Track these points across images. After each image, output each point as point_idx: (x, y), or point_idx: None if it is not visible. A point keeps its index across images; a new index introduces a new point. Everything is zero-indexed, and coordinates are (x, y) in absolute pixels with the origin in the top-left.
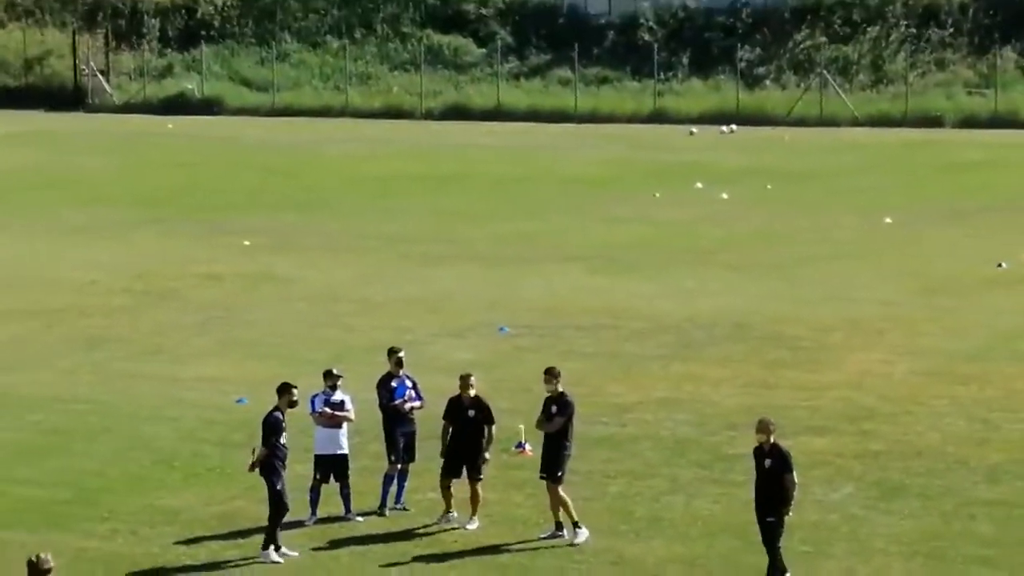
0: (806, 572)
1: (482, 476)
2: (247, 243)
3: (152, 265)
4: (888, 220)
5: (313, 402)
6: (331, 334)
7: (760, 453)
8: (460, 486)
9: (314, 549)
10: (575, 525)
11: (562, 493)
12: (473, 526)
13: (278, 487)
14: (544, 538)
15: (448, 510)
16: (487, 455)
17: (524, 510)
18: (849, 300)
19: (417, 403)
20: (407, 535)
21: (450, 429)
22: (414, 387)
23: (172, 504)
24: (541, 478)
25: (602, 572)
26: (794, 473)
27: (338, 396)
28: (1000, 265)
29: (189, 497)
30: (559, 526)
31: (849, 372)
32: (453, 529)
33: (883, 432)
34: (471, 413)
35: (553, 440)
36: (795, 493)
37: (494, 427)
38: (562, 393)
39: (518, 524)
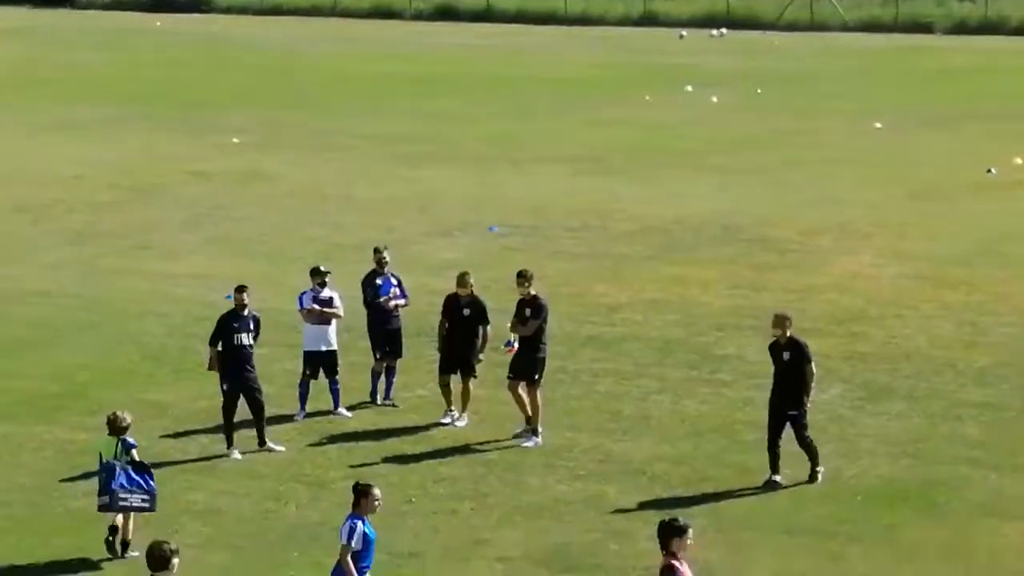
0: (793, 471)
1: (475, 374)
2: (236, 141)
3: (140, 162)
4: (878, 125)
5: (301, 299)
6: (319, 232)
7: (777, 348)
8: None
9: (307, 446)
10: (533, 431)
11: (538, 398)
12: (462, 423)
13: (222, 386)
14: (515, 436)
15: (449, 407)
16: (480, 355)
17: (512, 408)
18: (838, 204)
19: (402, 300)
20: (396, 431)
21: (446, 326)
22: (399, 285)
23: (161, 399)
24: (509, 378)
25: (590, 469)
26: (812, 364)
27: (327, 293)
28: (990, 171)
29: (178, 392)
30: (529, 420)
31: (837, 275)
32: (442, 426)
33: (871, 335)
34: (466, 312)
35: (528, 343)
36: (813, 383)
37: (489, 327)
38: (535, 296)
39: (507, 422)
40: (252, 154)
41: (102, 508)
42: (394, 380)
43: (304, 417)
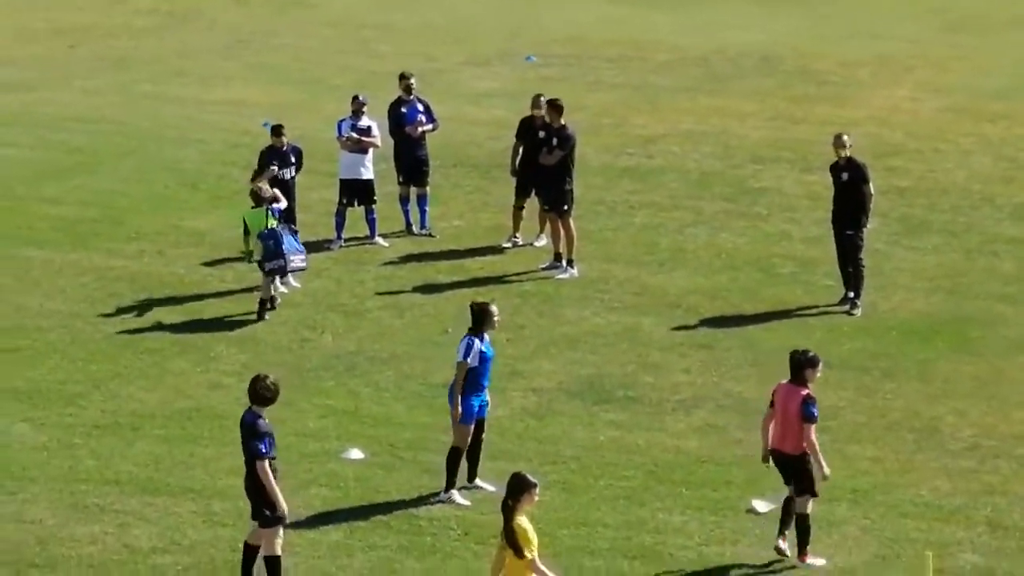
0: (828, 305)
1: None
2: None
3: None
4: None
5: (340, 126)
6: (356, 60)
7: (836, 168)
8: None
9: (343, 275)
10: (570, 262)
11: (572, 226)
12: (541, 243)
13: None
14: (544, 268)
15: (515, 233)
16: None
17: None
18: (876, 36)
19: (429, 127)
20: (432, 261)
21: (520, 149)
22: (426, 110)
23: (198, 226)
24: (544, 211)
25: (625, 301)
26: (871, 184)
27: (364, 122)
28: None
29: (215, 219)
30: (558, 257)
31: (876, 108)
32: (478, 254)
33: (909, 168)
34: (541, 134)
35: (555, 174)
36: (871, 205)
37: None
38: (564, 126)
39: (544, 252)
40: None
41: (274, 271)
42: (427, 209)
43: (341, 246)
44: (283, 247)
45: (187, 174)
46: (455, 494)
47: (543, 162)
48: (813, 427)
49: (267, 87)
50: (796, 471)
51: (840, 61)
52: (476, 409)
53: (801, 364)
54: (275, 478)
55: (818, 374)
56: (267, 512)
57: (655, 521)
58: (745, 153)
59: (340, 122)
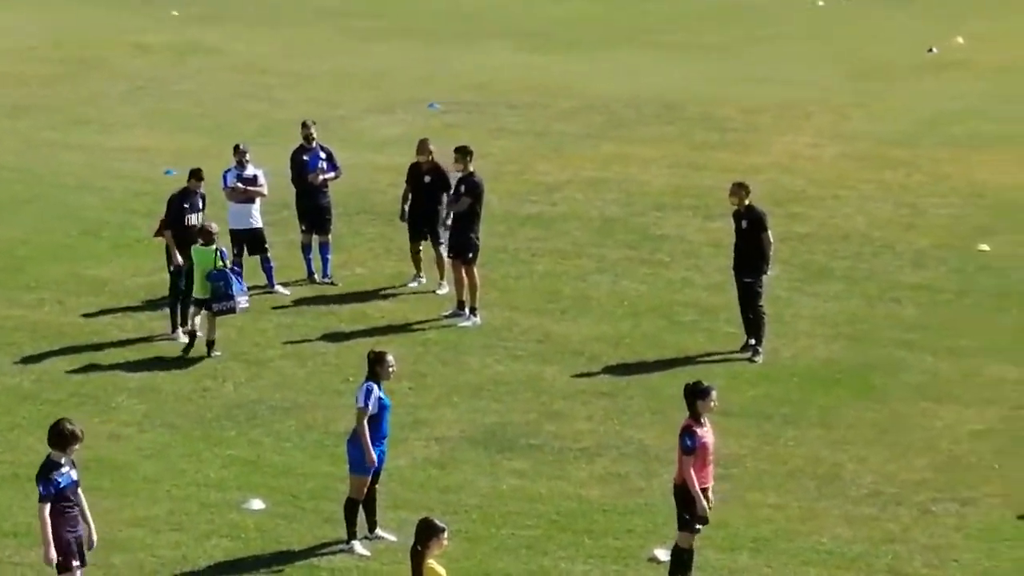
0: (730, 352)
1: (443, 241)
2: (175, 13)
3: (77, 33)
4: (820, 3)
5: (225, 177)
6: (259, 107)
7: (737, 216)
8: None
9: (244, 323)
10: (472, 311)
11: (476, 275)
12: (443, 291)
13: (170, 268)
14: (446, 316)
15: (418, 274)
16: (447, 222)
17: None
18: (780, 82)
19: (331, 174)
20: (335, 310)
21: (410, 195)
22: (329, 158)
23: (99, 274)
24: (449, 257)
25: (528, 349)
26: (770, 233)
27: (250, 171)
28: (931, 50)
29: (116, 268)
30: (460, 304)
31: (778, 155)
32: (381, 302)
33: (810, 215)
34: (428, 179)
35: (462, 222)
36: (771, 253)
37: (451, 193)
38: (471, 173)
39: (446, 301)
40: (192, 26)
41: (222, 312)
42: (330, 257)
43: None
44: (232, 289)
45: (89, 222)
46: (356, 545)
47: (453, 210)
48: (690, 459)
49: (170, 134)
50: (677, 504)
51: (742, 108)
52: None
53: (690, 395)
54: (64, 521)
55: (712, 404)
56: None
57: (557, 571)
58: (648, 200)
59: (225, 173)
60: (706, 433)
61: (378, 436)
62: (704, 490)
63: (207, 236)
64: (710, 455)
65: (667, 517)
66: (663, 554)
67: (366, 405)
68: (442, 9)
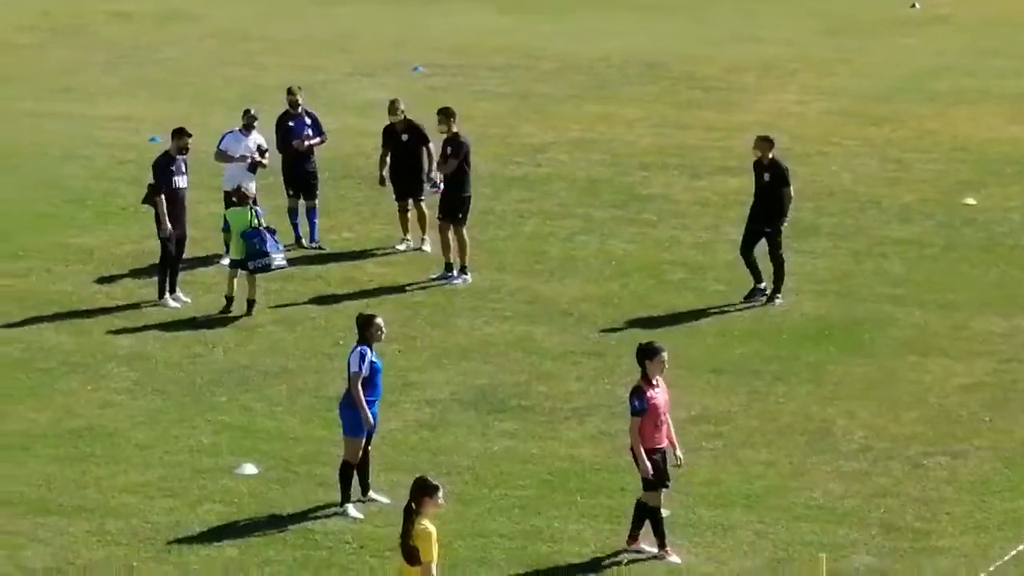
0: (719, 310)
1: (424, 197)
2: None
3: (59, 2)
4: None
5: (224, 137)
6: (242, 73)
7: (759, 167)
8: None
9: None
10: (463, 269)
11: (465, 235)
12: (427, 247)
13: (160, 235)
14: (434, 279)
15: (405, 235)
16: (432, 174)
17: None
18: (760, 40)
19: (316, 140)
20: (323, 274)
21: (388, 157)
22: (314, 124)
23: (86, 242)
24: (439, 219)
25: (516, 310)
26: (791, 187)
27: (255, 137)
28: (913, 5)
29: (103, 236)
30: (448, 267)
31: (762, 112)
32: (369, 265)
33: (796, 172)
34: (404, 137)
35: (450, 183)
36: (790, 207)
37: (431, 144)
38: (456, 134)
39: (433, 264)
40: None
41: (258, 269)
42: (316, 222)
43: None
44: (267, 246)
45: (73, 191)
46: (350, 508)
47: (441, 172)
48: (637, 420)
49: (152, 102)
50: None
51: (725, 67)
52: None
53: (640, 355)
54: None
55: (662, 365)
56: None
57: (551, 530)
58: (633, 160)
59: (226, 133)
60: (657, 394)
61: (371, 398)
62: (660, 450)
63: (242, 197)
64: (662, 415)
65: None
66: None
67: (360, 369)
68: None
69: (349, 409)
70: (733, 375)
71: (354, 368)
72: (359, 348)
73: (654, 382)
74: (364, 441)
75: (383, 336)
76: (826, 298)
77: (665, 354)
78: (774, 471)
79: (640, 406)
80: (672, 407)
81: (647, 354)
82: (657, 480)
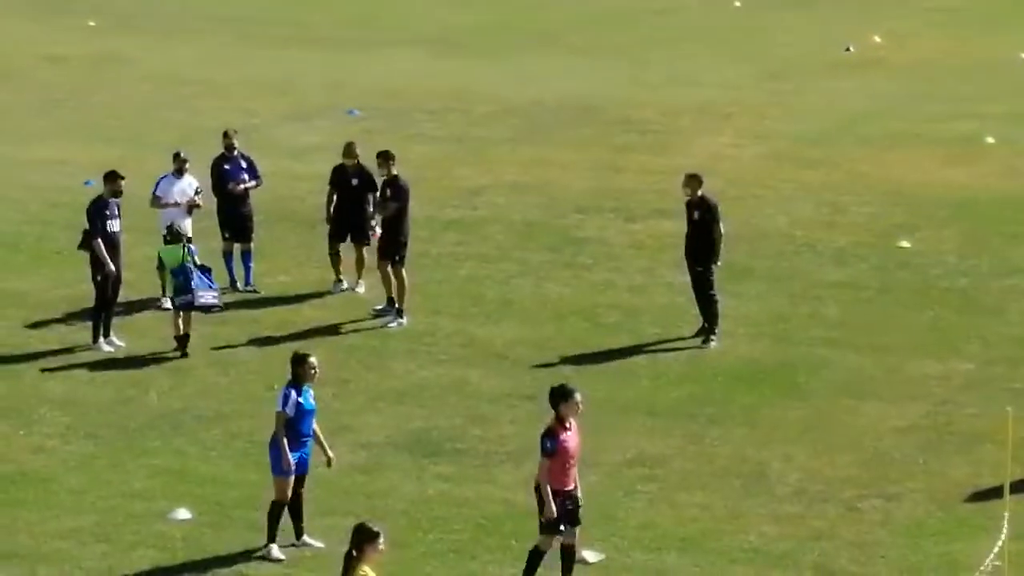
0: (654, 352)
1: (368, 242)
2: (91, 23)
3: None
4: (737, 3)
5: (159, 184)
6: (177, 116)
7: (690, 206)
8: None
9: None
10: (399, 312)
11: (404, 276)
12: (361, 289)
13: (96, 278)
14: (376, 310)
15: (338, 277)
16: (372, 222)
17: (377, 291)
18: (697, 84)
19: (252, 183)
20: (257, 317)
21: (335, 196)
22: (250, 167)
23: (19, 287)
24: (378, 260)
25: (452, 354)
26: (721, 224)
27: (188, 180)
28: (848, 49)
29: (36, 280)
30: (391, 302)
31: (697, 156)
32: (304, 309)
33: (731, 215)
34: (355, 182)
35: (389, 225)
36: (722, 245)
37: (377, 193)
38: (396, 177)
39: (369, 306)
40: (107, 37)
41: (183, 306)
42: (251, 265)
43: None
44: (192, 283)
45: (6, 235)
46: (273, 548)
47: (381, 215)
48: (547, 462)
49: (86, 145)
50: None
51: (661, 110)
52: (296, 462)
53: (553, 397)
54: None
55: (577, 407)
56: None
57: (485, 574)
58: (568, 203)
59: (160, 179)
60: (569, 437)
61: (298, 439)
62: (567, 492)
63: (175, 235)
64: (572, 459)
65: (594, 519)
66: (591, 556)
67: (284, 408)
68: (342, 17)
69: (276, 449)
70: (668, 418)
71: (278, 407)
72: (286, 389)
73: (567, 424)
74: (293, 482)
75: (316, 375)
76: (761, 341)
77: (579, 396)
78: (709, 514)
79: (551, 448)
80: (607, 450)
81: (561, 396)
82: (556, 523)
